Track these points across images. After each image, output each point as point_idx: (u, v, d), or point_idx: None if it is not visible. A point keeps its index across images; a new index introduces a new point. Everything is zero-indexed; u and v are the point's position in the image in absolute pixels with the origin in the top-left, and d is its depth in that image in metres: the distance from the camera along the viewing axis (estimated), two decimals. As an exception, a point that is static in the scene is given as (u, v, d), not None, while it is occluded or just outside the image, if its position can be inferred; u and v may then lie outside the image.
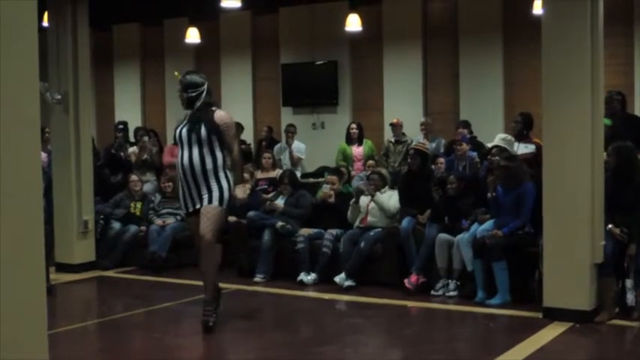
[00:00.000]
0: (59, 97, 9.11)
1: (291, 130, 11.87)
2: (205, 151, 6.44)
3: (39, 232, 2.66)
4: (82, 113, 9.26)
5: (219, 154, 6.53)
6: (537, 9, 9.46)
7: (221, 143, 6.54)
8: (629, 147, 7.16)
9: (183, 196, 6.62)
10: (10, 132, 2.47)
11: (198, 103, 6.52)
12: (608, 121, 8.31)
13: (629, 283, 6.87)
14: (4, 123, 2.45)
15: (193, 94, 6.52)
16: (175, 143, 6.91)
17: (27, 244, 2.60)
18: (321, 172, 11.25)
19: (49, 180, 9.48)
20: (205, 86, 6.62)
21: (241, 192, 6.82)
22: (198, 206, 6.47)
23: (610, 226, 6.84)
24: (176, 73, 6.63)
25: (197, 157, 6.42)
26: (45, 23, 9.31)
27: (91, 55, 9.73)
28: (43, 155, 9.87)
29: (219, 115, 6.60)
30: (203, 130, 6.41)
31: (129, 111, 14.45)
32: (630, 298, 6.84)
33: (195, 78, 6.66)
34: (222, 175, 6.53)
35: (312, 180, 10.93)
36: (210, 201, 6.42)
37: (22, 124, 2.53)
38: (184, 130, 6.48)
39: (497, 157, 7.90)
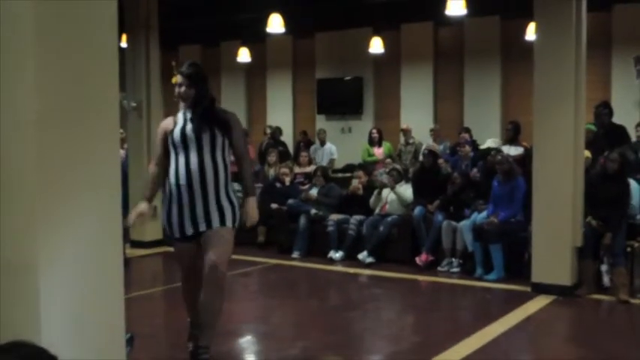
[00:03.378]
0: (134, 104, 9.21)
1: (321, 134, 12.09)
2: (218, 157, 4.30)
3: (117, 214, 2.67)
4: (152, 118, 9.34)
5: (228, 163, 4.41)
6: (530, 35, 9.37)
7: (227, 149, 4.42)
8: (624, 154, 7.14)
9: (179, 215, 4.26)
10: (93, 132, 2.50)
11: (206, 101, 4.38)
12: (592, 127, 8.26)
13: (604, 267, 6.82)
14: (89, 125, 2.48)
15: (202, 89, 4.37)
16: (169, 147, 4.37)
17: (108, 225, 2.63)
18: (347, 168, 11.28)
19: (126, 172, 9.58)
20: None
21: (255, 212, 4.56)
22: (202, 229, 4.26)
23: (589, 218, 6.78)
24: (174, 63, 4.98)
25: (210, 164, 4.24)
26: (123, 44, 9.40)
27: (160, 71, 9.80)
28: (121, 152, 9.96)
29: (231, 115, 4.53)
30: (217, 132, 4.29)
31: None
32: (606, 280, 6.79)
33: (201, 70, 4.49)
34: (230, 188, 4.40)
35: (340, 175, 10.94)
36: (222, 222, 4.26)
37: (105, 126, 2.56)
38: (189, 130, 4.26)
39: (499, 157, 7.84)
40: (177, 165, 4.27)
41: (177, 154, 4.28)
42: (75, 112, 2.42)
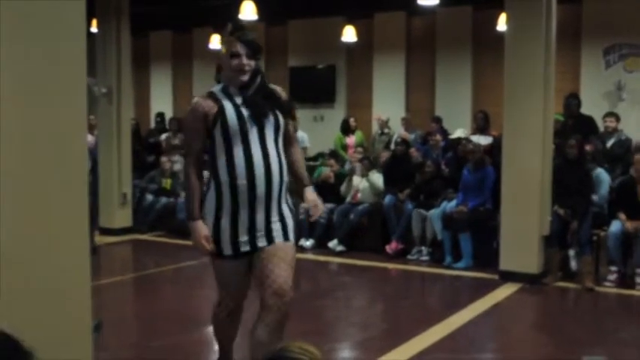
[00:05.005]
0: (105, 90, 9.10)
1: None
2: (281, 150, 3.35)
3: (84, 201, 2.65)
4: (123, 104, 9.26)
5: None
6: (501, 25, 9.42)
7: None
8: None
9: (233, 226, 3.26)
10: (60, 116, 2.47)
11: (262, 77, 3.36)
12: (560, 117, 8.37)
13: (571, 252, 6.92)
14: (55, 109, 2.44)
15: (259, 61, 3.38)
16: (215, 136, 3.28)
17: (74, 210, 2.60)
18: (317, 157, 11.28)
19: (95, 159, 9.50)
20: None
21: (321, 202, 3.56)
22: (261, 244, 3.28)
23: (556, 206, 6.87)
24: (228, 28, 3.31)
25: (275, 158, 3.27)
26: (94, 29, 9.28)
27: (131, 57, 9.69)
28: (91, 138, 9.87)
29: (282, 91, 3.49)
30: (280, 119, 3.33)
31: (162, 103, 14.46)
32: (573, 264, 6.90)
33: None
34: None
35: (311, 163, 10.93)
36: (285, 235, 3.34)
37: (72, 110, 2.53)
38: (247, 115, 3.24)
39: (470, 146, 7.92)
40: (232, 159, 3.21)
41: (231, 145, 3.22)
42: (41, 96, 2.39)
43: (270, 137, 3.28)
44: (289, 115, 3.43)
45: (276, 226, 3.31)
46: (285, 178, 3.33)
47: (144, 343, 5.09)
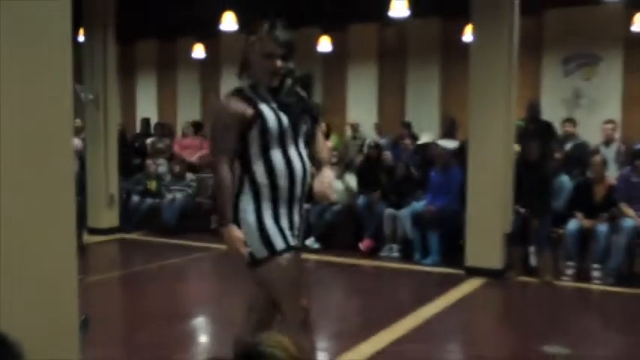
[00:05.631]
0: (92, 96, 9.02)
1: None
2: (306, 154, 3.08)
3: (71, 201, 2.63)
4: (109, 110, 9.18)
5: None
6: (467, 36, 9.49)
7: None
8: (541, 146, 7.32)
9: (290, 219, 2.99)
10: (47, 120, 2.45)
11: (290, 81, 3.04)
12: (521, 123, 8.46)
13: (532, 249, 6.98)
14: (42, 113, 2.42)
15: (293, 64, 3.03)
16: (249, 138, 2.94)
17: (61, 210, 2.58)
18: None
19: (83, 162, 9.41)
20: None
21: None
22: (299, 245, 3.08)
23: (518, 206, 6.94)
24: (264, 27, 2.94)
25: (306, 162, 3.03)
26: (81, 38, 9.20)
27: (117, 64, 9.63)
28: (78, 141, 9.78)
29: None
30: (309, 123, 3.08)
31: (147, 109, 14.36)
32: (533, 260, 6.96)
33: None
34: None
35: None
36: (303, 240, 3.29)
37: (58, 114, 2.51)
38: (285, 121, 2.95)
39: (438, 150, 7.98)
40: (272, 162, 2.92)
41: (269, 148, 2.92)
42: (29, 101, 2.37)
43: (302, 141, 3.04)
44: (317, 121, 3.18)
45: (301, 229, 3.10)
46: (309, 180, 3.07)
47: (130, 336, 5.07)
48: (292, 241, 2.94)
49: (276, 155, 2.92)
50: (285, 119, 2.94)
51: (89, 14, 9.00)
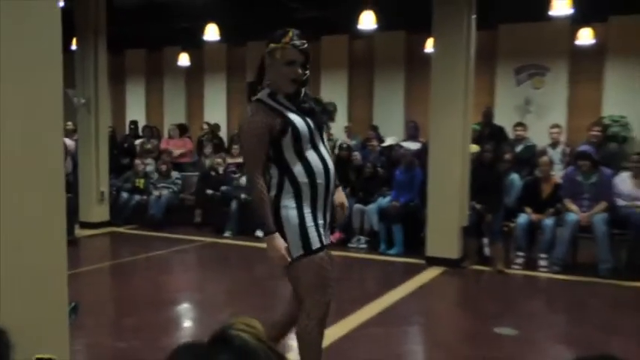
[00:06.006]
0: (84, 101, 8.91)
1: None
2: None
3: (61, 196, 2.59)
4: (100, 113, 9.07)
5: None
6: (429, 48, 9.55)
7: None
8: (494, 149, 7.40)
9: (324, 215, 2.91)
10: (38, 122, 2.42)
11: (305, 88, 2.97)
12: (477, 127, 8.54)
13: (485, 241, 7.05)
14: (34, 115, 2.39)
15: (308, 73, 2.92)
16: (283, 145, 2.83)
17: (52, 202, 2.54)
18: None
19: (76, 161, 9.31)
20: None
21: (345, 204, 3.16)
22: (327, 241, 2.94)
23: (473, 202, 7.00)
24: (284, 37, 2.86)
25: (332, 159, 2.97)
26: (74, 47, 9.08)
27: (108, 71, 9.52)
28: (71, 142, 9.66)
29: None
30: (324, 128, 3.03)
31: (136, 113, 14.22)
32: (487, 251, 7.03)
33: None
34: None
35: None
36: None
37: (48, 117, 2.47)
38: (312, 123, 2.88)
39: (402, 151, 8.03)
40: (309, 163, 2.83)
41: (303, 151, 2.83)
42: (23, 103, 2.33)
43: (325, 141, 2.95)
44: (329, 122, 3.02)
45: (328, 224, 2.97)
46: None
47: (119, 321, 5.03)
48: (326, 240, 2.87)
49: (312, 155, 2.84)
50: (311, 122, 2.85)
51: (81, 25, 8.88)
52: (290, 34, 2.81)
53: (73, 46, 9.07)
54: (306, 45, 2.83)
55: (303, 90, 2.90)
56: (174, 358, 0.94)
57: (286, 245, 2.79)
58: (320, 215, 2.86)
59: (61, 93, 2.45)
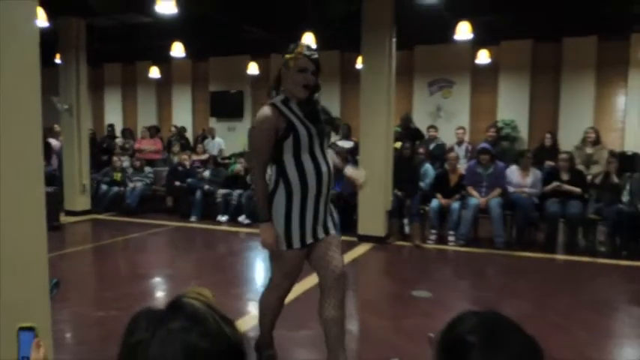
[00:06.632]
0: (67, 107, 8.52)
1: (213, 131, 11.69)
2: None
3: (40, 186, 2.44)
4: (82, 118, 8.68)
5: None
6: (359, 65, 9.60)
7: None
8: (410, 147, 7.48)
9: (302, 221, 2.76)
10: (18, 123, 2.27)
11: (315, 96, 2.80)
12: (398, 128, 8.63)
13: (406, 221, 7.12)
14: (9, 119, 2.24)
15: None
16: (284, 145, 2.70)
17: (32, 192, 2.40)
18: (231, 156, 11.09)
19: (61, 158, 8.91)
20: None
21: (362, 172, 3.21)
22: (320, 236, 2.83)
23: (395, 190, 7.08)
24: (297, 46, 2.72)
25: (330, 166, 2.80)
26: (58, 60, 8.67)
27: (89, 82, 9.14)
28: (57, 142, 9.24)
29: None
30: (329, 133, 2.88)
31: (113, 116, 13.74)
32: (407, 229, 7.10)
33: None
34: None
35: (227, 161, 10.74)
36: (335, 228, 2.92)
37: (26, 118, 2.32)
38: (314, 131, 2.71)
39: (337, 148, 8.00)
40: (302, 166, 2.69)
41: (300, 155, 2.68)
42: (6, 108, 2.18)
43: (325, 147, 2.78)
44: (334, 131, 2.88)
45: (329, 219, 2.86)
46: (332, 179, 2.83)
47: (99, 294, 4.83)
48: (308, 240, 2.77)
49: (306, 159, 2.69)
50: (313, 128, 2.69)
51: (64, 42, 8.49)
52: (302, 45, 2.70)
53: (58, 60, 8.67)
54: (316, 55, 2.69)
55: (315, 96, 2.74)
56: (133, 322, 0.90)
57: (275, 234, 2.75)
58: (309, 215, 2.73)
59: (39, 98, 2.31)
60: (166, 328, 0.86)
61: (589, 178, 7.08)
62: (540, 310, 4.35)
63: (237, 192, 8.50)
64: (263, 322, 3.08)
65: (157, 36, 10.07)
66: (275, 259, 2.87)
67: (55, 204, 7.73)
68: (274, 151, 2.69)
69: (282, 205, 2.72)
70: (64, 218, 8.21)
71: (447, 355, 0.93)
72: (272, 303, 3.00)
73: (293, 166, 2.68)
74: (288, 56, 2.67)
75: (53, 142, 9.95)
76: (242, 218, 8.21)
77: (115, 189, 9.29)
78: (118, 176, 9.47)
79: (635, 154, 8.48)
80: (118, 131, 12.31)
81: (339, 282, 2.77)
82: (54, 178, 8.94)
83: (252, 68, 11.62)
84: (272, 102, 2.72)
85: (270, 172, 2.76)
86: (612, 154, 7.44)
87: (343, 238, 7.21)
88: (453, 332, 0.94)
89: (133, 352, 0.85)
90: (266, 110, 2.68)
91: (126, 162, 10.07)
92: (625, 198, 6.30)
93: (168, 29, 9.42)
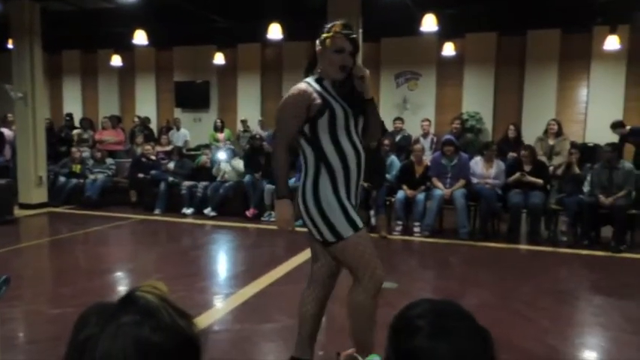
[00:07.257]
0: (21, 95, 8.20)
1: (178, 122, 11.49)
2: None
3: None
4: (37, 106, 8.39)
5: None
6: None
7: None
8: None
9: (355, 196, 2.64)
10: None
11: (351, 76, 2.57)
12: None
13: (372, 212, 7.13)
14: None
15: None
16: (317, 124, 2.51)
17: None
18: (197, 148, 10.93)
19: (14, 148, 8.59)
20: None
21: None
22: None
23: (362, 181, 7.07)
24: (332, 29, 2.55)
25: (362, 146, 2.64)
26: (10, 46, 8.33)
27: (46, 69, 8.85)
28: (11, 132, 8.91)
29: None
30: (360, 118, 2.62)
31: (72, 106, 13.32)
32: (373, 220, 7.10)
33: None
34: None
35: (192, 152, 10.57)
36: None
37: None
38: (350, 111, 2.55)
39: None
40: (341, 147, 2.53)
41: (337, 135, 2.52)
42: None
43: (359, 127, 2.61)
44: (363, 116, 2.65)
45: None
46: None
47: (55, 290, 4.68)
48: (361, 223, 2.56)
49: (344, 141, 2.52)
50: (350, 110, 2.54)
51: (16, 26, 8.17)
52: (339, 24, 2.54)
53: (10, 45, 8.33)
54: (354, 35, 2.53)
55: (352, 79, 2.53)
56: (82, 319, 0.84)
57: (292, 214, 2.55)
58: (352, 197, 2.57)
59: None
60: (117, 323, 0.81)
61: (551, 169, 7.24)
62: (503, 299, 4.43)
63: (202, 184, 8.37)
64: (365, 328, 2.63)
65: (118, 23, 9.79)
66: (349, 252, 2.54)
67: (8, 197, 7.46)
68: (308, 131, 2.52)
69: (330, 193, 2.52)
70: (18, 212, 7.93)
71: (396, 336, 0.96)
72: (372, 304, 2.60)
73: (333, 149, 2.52)
74: (324, 35, 2.53)
75: (6, 131, 9.58)
76: (208, 210, 8.10)
77: (74, 181, 9.02)
78: (77, 168, 9.20)
79: (596, 146, 8.72)
80: (77, 121, 11.95)
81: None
82: (7, 170, 8.63)
83: (219, 58, 11.47)
84: (305, 80, 2.59)
85: (302, 160, 2.58)
86: (574, 145, 7.63)
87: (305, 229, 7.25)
88: (404, 316, 0.97)
89: (81, 349, 0.80)
90: (301, 85, 2.54)
91: (86, 153, 9.79)
92: (586, 189, 6.47)
93: (131, 16, 9.17)
